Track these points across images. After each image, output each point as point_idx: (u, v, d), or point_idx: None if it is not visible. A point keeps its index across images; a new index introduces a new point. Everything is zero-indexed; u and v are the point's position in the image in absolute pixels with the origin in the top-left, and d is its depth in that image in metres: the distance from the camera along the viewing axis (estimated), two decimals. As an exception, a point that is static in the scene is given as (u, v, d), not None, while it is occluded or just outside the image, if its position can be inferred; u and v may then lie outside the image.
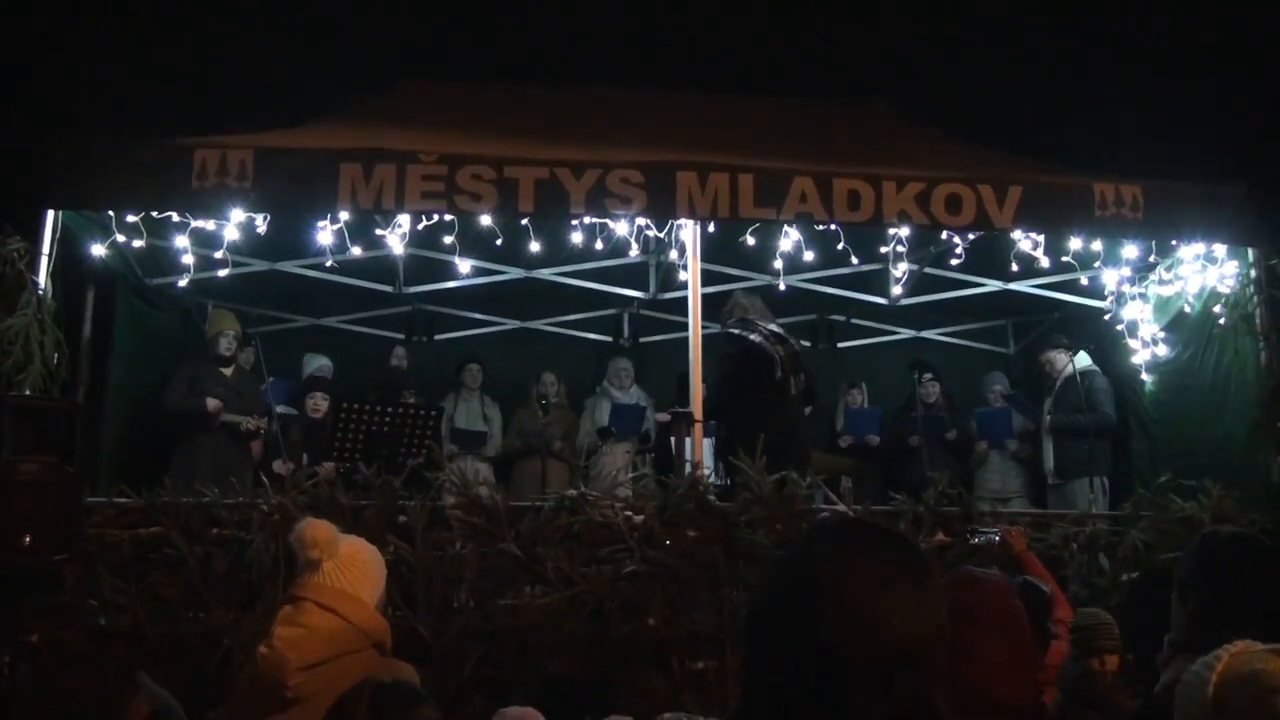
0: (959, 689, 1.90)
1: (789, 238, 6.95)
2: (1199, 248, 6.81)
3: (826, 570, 1.39)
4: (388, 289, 8.20)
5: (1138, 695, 3.09)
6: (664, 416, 7.07)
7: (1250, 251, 6.53)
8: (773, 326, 6.76)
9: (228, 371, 7.33)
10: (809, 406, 6.97)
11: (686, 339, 6.36)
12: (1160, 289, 7.41)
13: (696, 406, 6.14)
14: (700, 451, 6.08)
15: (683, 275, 6.86)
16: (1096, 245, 7.02)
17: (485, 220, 6.35)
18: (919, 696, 1.34)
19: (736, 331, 6.72)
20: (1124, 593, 5.34)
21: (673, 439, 6.20)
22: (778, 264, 7.27)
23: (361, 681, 2.24)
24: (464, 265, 7.34)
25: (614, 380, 8.42)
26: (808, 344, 9.15)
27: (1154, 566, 5.40)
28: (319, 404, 7.54)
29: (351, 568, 2.82)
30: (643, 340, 9.06)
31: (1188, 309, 7.09)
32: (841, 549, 1.42)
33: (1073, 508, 6.77)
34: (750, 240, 6.93)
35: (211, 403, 7.00)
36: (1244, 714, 1.60)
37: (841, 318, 9.13)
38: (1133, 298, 7.66)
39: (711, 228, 6.59)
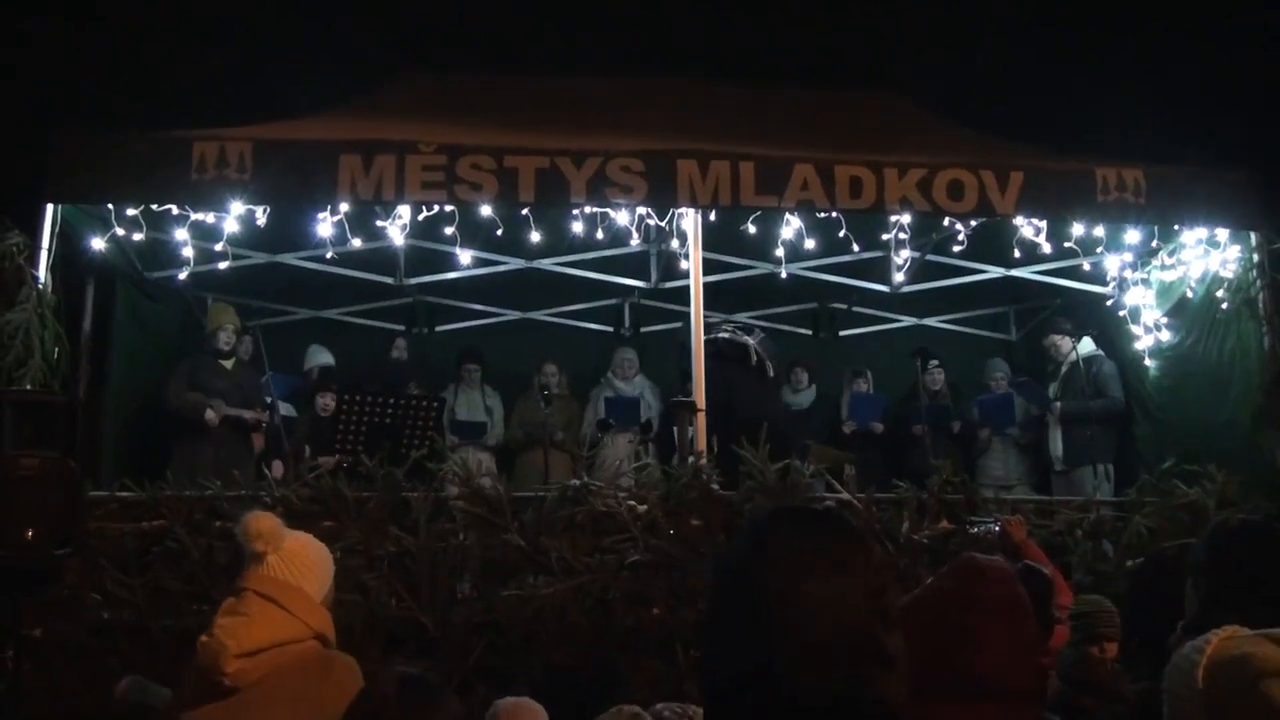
0: (965, 675, 1.90)
1: (790, 225, 6.93)
2: (1201, 232, 6.80)
3: (757, 568, 1.39)
4: (388, 280, 8.18)
5: (1139, 679, 3.08)
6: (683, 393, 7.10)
7: (1253, 235, 6.52)
8: (734, 320, 6.81)
9: (228, 365, 7.32)
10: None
11: (689, 328, 6.34)
12: (1163, 274, 7.39)
13: (699, 395, 6.13)
14: (703, 440, 6.07)
15: (684, 264, 6.85)
16: (1099, 230, 7.00)
17: (485, 210, 6.34)
18: (859, 684, 1.32)
19: (706, 337, 6.77)
20: (1128, 579, 5.32)
21: (675, 428, 6.19)
22: (779, 252, 7.26)
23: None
24: (464, 256, 7.33)
25: (618, 371, 8.37)
26: (809, 333, 9.17)
27: (1157, 553, 5.40)
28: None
29: (295, 561, 2.82)
30: (644, 330, 9.02)
31: (1190, 294, 7.07)
32: (772, 543, 1.42)
33: (1080, 494, 6.75)
34: (752, 228, 6.90)
35: (210, 414, 6.94)
36: (1234, 697, 1.61)
37: (843, 306, 9.10)
38: (1135, 283, 7.63)
39: (713, 216, 6.57)
